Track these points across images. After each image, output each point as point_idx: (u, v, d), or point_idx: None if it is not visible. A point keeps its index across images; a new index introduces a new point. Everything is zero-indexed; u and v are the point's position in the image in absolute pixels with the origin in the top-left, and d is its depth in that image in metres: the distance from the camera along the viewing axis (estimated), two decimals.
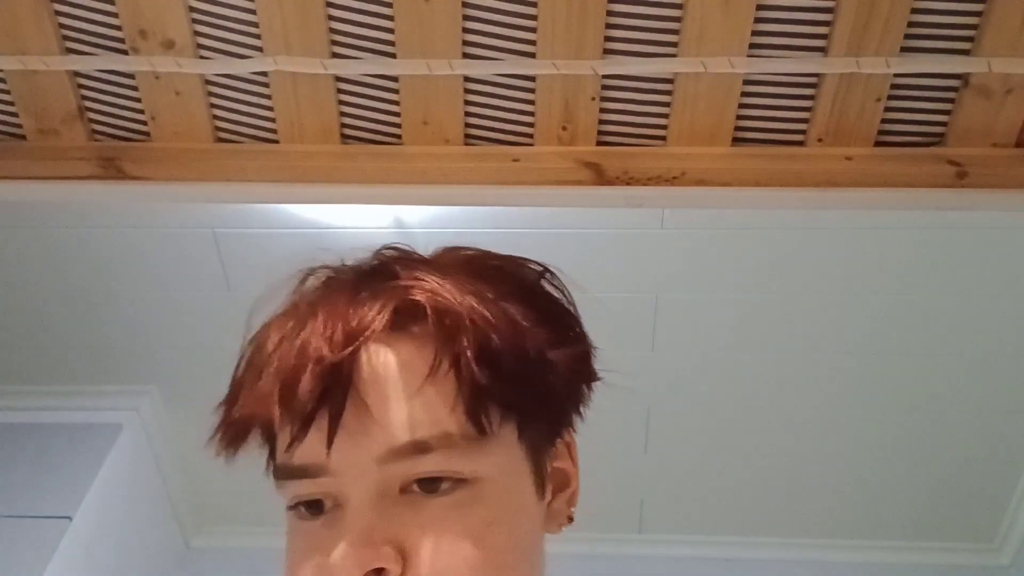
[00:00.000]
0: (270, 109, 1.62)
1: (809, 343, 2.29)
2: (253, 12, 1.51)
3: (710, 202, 1.63)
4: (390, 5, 1.50)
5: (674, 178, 1.59)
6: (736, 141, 1.60)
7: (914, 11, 1.45)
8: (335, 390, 0.52)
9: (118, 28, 1.55)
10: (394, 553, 0.51)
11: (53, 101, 1.64)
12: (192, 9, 1.52)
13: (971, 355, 2.29)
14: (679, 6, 1.47)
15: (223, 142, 1.67)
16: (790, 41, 1.49)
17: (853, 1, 1.43)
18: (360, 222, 2.12)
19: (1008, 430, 2.43)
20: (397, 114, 1.61)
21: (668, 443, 2.52)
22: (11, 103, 1.65)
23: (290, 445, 0.54)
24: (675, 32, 1.49)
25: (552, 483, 0.62)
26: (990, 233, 2.07)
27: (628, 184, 1.59)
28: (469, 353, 0.54)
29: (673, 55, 1.51)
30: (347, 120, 1.63)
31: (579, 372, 0.62)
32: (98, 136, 1.68)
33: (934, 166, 1.58)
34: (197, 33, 1.55)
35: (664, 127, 1.60)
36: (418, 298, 0.55)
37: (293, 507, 0.56)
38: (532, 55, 1.52)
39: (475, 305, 0.55)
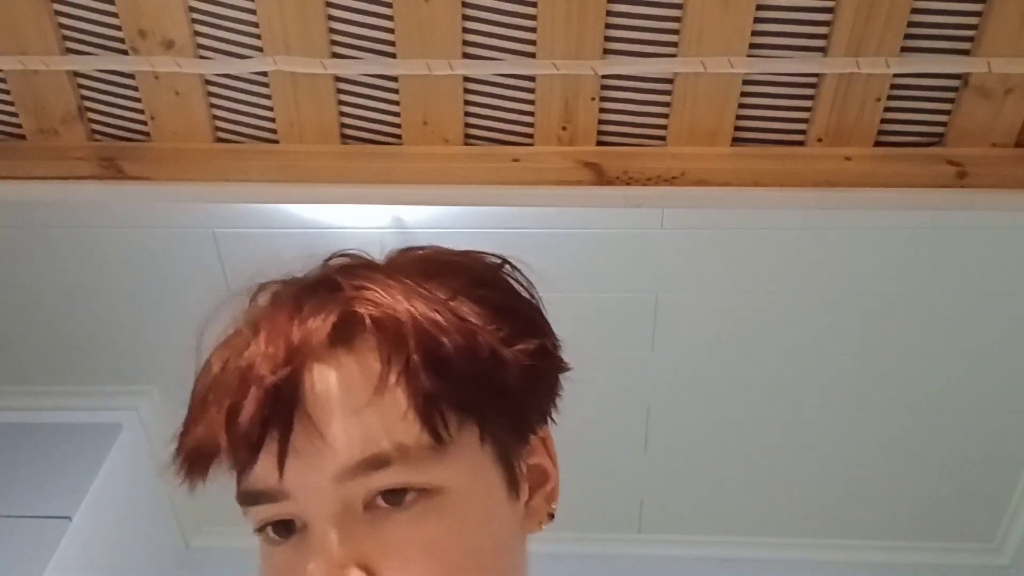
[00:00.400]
0: (270, 109, 1.62)
1: (809, 343, 2.29)
2: (253, 12, 1.51)
3: (710, 202, 1.63)
4: (390, 5, 1.50)
5: (674, 178, 1.59)
6: (736, 141, 1.60)
7: (914, 11, 1.45)
8: (280, 412, 0.51)
9: (118, 28, 1.55)
10: (361, 574, 0.51)
11: (53, 101, 1.64)
12: (192, 9, 1.52)
13: (971, 355, 2.28)
14: (679, 6, 1.47)
15: (223, 142, 1.67)
16: (790, 41, 1.49)
17: (853, 1, 1.43)
18: (360, 222, 2.12)
19: (1008, 430, 2.43)
20: (397, 114, 1.61)
21: (668, 443, 2.52)
22: (11, 103, 1.65)
23: (242, 471, 0.53)
24: (675, 32, 1.49)
25: (528, 481, 0.60)
26: (990, 233, 2.07)
27: (628, 184, 1.59)
28: (416, 360, 0.52)
29: (673, 55, 1.51)
30: (347, 120, 1.63)
31: (540, 366, 0.59)
32: (98, 136, 1.68)
33: (934, 166, 1.58)
34: (197, 33, 1.55)
35: (664, 127, 1.60)
36: (359, 309, 0.54)
37: (260, 530, 0.55)
38: (532, 55, 1.52)
39: (422, 309, 0.54)
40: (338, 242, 2.09)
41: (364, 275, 0.57)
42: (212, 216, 2.15)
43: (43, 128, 1.67)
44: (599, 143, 1.62)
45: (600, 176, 1.60)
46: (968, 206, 1.61)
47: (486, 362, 0.55)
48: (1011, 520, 2.59)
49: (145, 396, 2.41)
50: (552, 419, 0.66)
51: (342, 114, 1.62)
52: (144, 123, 1.65)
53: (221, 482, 0.56)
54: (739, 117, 1.58)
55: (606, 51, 1.52)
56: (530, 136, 1.62)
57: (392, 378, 0.52)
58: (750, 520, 2.67)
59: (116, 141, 1.68)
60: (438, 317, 0.54)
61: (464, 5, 1.49)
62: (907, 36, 1.47)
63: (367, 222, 2.12)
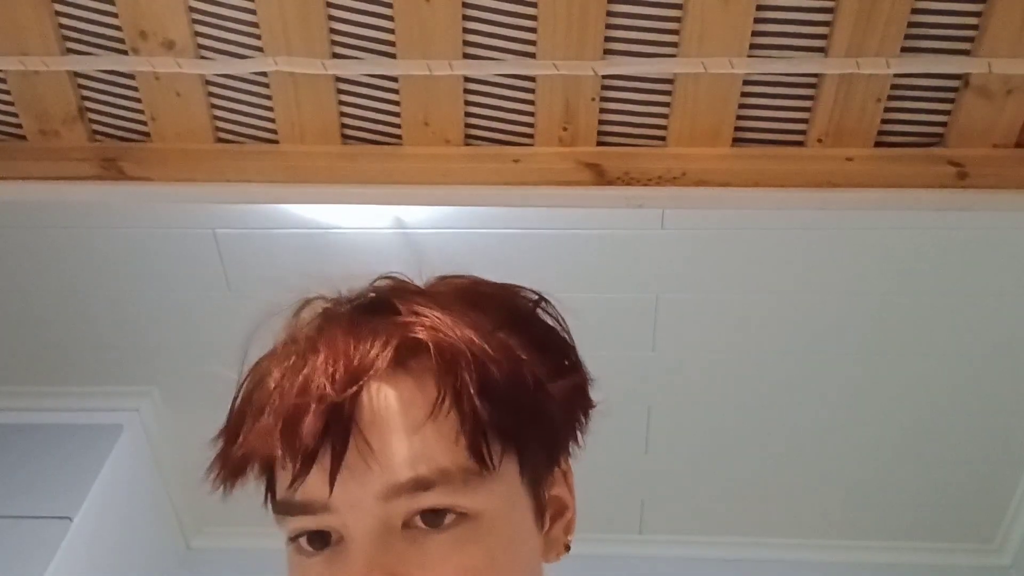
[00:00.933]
0: (270, 109, 1.62)
1: (809, 343, 2.29)
2: (253, 12, 1.51)
3: (710, 202, 1.63)
4: (390, 5, 1.50)
5: (674, 178, 1.59)
6: (736, 142, 1.60)
7: (914, 11, 1.45)
8: (338, 429, 0.53)
9: (118, 28, 1.55)
10: None
11: (54, 101, 1.64)
12: (192, 9, 1.52)
13: (971, 355, 2.28)
14: (679, 6, 1.47)
15: (223, 142, 1.67)
16: (790, 41, 1.49)
17: (853, 1, 1.43)
18: (360, 222, 2.12)
19: (1008, 430, 2.43)
20: (397, 114, 1.62)
21: (668, 443, 2.52)
22: (11, 103, 1.65)
23: (292, 482, 0.54)
24: (675, 32, 1.49)
25: (550, 511, 0.62)
26: (990, 233, 2.07)
27: (628, 184, 1.60)
28: (471, 388, 0.54)
29: (673, 55, 1.51)
30: (347, 120, 1.63)
31: (577, 402, 0.63)
32: (99, 136, 1.68)
33: (934, 166, 1.58)
34: (197, 33, 1.55)
35: (664, 127, 1.60)
36: (420, 335, 0.55)
37: (293, 539, 0.56)
38: (532, 55, 1.52)
39: (475, 339, 0.56)
40: (338, 242, 2.10)
41: (418, 300, 0.59)
42: (213, 216, 2.15)
43: (44, 128, 1.67)
44: (600, 143, 1.62)
45: (601, 176, 1.60)
46: (968, 206, 1.61)
47: (533, 394, 0.57)
48: (1011, 520, 2.59)
49: (146, 397, 2.41)
50: (573, 453, 0.67)
51: (342, 114, 1.62)
52: (145, 123, 1.65)
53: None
54: (739, 117, 1.58)
55: (606, 51, 1.52)
56: (531, 136, 1.62)
57: (447, 403, 0.54)
58: (750, 520, 2.67)
59: (117, 142, 1.68)
60: (488, 347, 0.56)
61: (464, 5, 1.49)
62: (907, 36, 1.47)
63: (367, 222, 2.12)
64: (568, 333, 0.65)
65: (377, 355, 0.54)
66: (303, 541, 0.55)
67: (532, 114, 1.59)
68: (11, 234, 2.22)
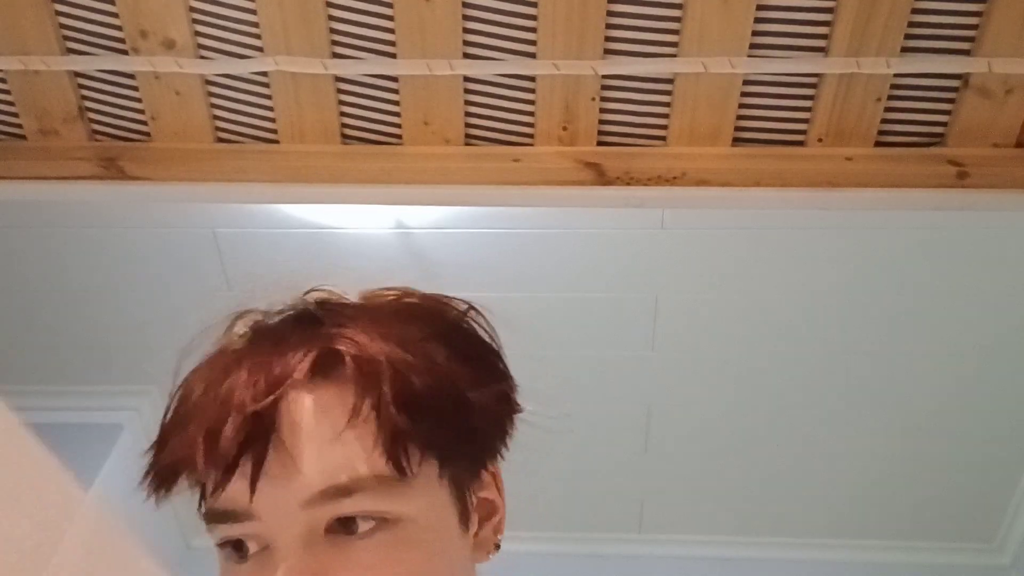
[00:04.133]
0: (270, 109, 1.62)
1: (809, 343, 2.29)
2: (253, 12, 1.51)
3: (710, 202, 1.63)
4: (390, 5, 1.50)
5: (674, 178, 1.59)
6: (736, 141, 1.60)
7: (914, 11, 1.45)
8: (257, 438, 0.54)
9: (118, 28, 1.55)
10: None
11: (54, 101, 1.64)
12: (192, 9, 1.52)
13: (971, 355, 2.28)
14: (679, 6, 1.47)
15: (223, 142, 1.67)
16: (790, 41, 1.49)
17: (853, 1, 1.43)
18: (360, 222, 2.12)
19: (1008, 430, 2.43)
20: (397, 114, 1.61)
21: (668, 443, 2.52)
22: (11, 103, 1.65)
23: (214, 491, 0.56)
24: (675, 32, 1.49)
25: (478, 513, 0.64)
26: (990, 233, 2.07)
27: (628, 184, 1.59)
28: (388, 397, 0.55)
29: (673, 55, 1.51)
30: (347, 120, 1.63)
31: (500, 409, 0.64)
32: (98, 136, 1.68)
33: (934, 166, 1.58)
34: (197, 33, 1.55)
35: (664, 127, 1.60)
36: (339, 346, 0.57)
37: (221, 546, 0.58)
38: (532, 55, 1.52)
39: (396, 349, 0.57)
40: (338, 242, 2.09)
41: (343, 313, 0.61)
42: (212, 216, 2.15)
43: (44, 128, 1.67)
44: (600, 143, 1.62)
45: (601, 176, 1.60)
46: (969, 206, 1.61)
47: (452, 403, 0.59)
48: (1011, 520, 2.59)
49: (146, 396, 2.41)
50: (502, 456, 0.69)
51: (343, 114, 1.62)
52: (145, 123, 1.65)
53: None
54: (740, 117, 1.58)
55: (606, 51, 1.52)
56: (531, 136, 1.62)
57: (364, 412, 0.55)
58: (750, 520, 2.67)
59: (117, 141, 1.68)
60: (411, 358, 0.58)
61: (464, 5, 1.49)
62: (907, 36, 1.47)
63: (367, 222, 2.12)
64: (495, 341, 0.67)
65: (295, 365, 0.56)
66: (230, 549, 0.57)
67: (532, 114, 1.59)
68: (11, 234, 2.22)
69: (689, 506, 2.66)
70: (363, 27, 1.53)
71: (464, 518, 0.61)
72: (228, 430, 0.54)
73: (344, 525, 0.55)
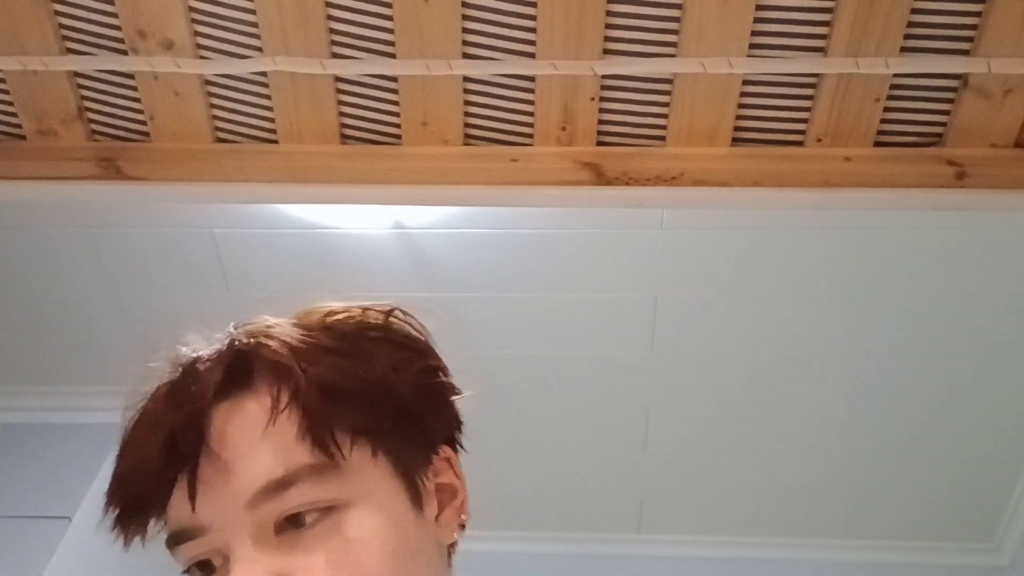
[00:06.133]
0: (269, 109, 1.62)
1: (808, 343, 2.29)
2: (252, 12, 1.51)
3: (709, 202, 1.63)
4: (389, 5, 1.50)
5: (673, 178, 1.59)
6: (735, 141, 1.60)
7: (914, 11, 1.45)
8: (184, 452, 0.57)
9: (117, 28, 1.55)
10: None
11: (53, 101, 1.64)
12: (191, 9, 1.52)
13: (971, 355, 2.29)
14: (678, 6, 1.47)
15: (222, 142, 1.67)
16: (789, 41, 1.49)
17: (853, 1, 1.43)
18: (359, 222, 2.12)
19: (1008, 430, 2.43)
20: (396, 114, 1.62)
21: (668, 443, 2.52)
22: (11, 103, 1.65)
23: (160, 515, 0.59)
24: (674, 32, 1.49)
25: (439, 497, 0.66)
26: (990, 233, 2.07)
27: (627, 184, 1.59)
28: (304, 389, 0.58)
29: (672, 55, 1.51)
30: (346, 120, 1.63)
31: (428, 386, 0.66)
32: (97, 136, 1.68)
33: (933, 166, 1.58)
34: (196, 33, 1.55)
35: (663, 127, 1.60)
36: (248, 352, 0.60)
37: (187, 571, 0.60)
38: (531, 55, 1.52)
39: (309, 346, 0.61)
40: (337, 242, 2.09)
41: (258, 326, 0.64)
42: (211, 216, 2.15)
43: (43, 128, 1.67)
44: (598, 143, 1.62)
45: (600, 176, 1.60)
46: (967, 206, 1.61)
47: (373, 385, 0.61)
48: (1010, 520, 2.59)
49: None
50: (461, 445, 0.72)
51: (342, 114, 1.62)
52: (144, 123, 1.65)
53: None
54: (739, 117, 1.58)
55: (606, 51, 1.52)
56: (529, 136, 1.62)
57: (283, 407, 0.58)
58: (750, 520, 2.67)
59: (115, 141, 1.68)
60: (323, 350, 0.61)
61: (464, 5, 1.49)
62: (907, 36, 1.47)
63: (366, 222, 2.12)
64: (423, 334, 0.70)
65: (209, 378, 0.59)
66: (195, 571, 0.59)
67: (531, 114, 1.59)
68: (10, 234, 2.22)
69: (688, 506, 2.66)
70: (362, 27, 1.53)
71: (417, 501, 0.62)
72: (156, 455, 0.57)
73: (292, 520, 0.57)
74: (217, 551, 0.57)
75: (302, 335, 0.63)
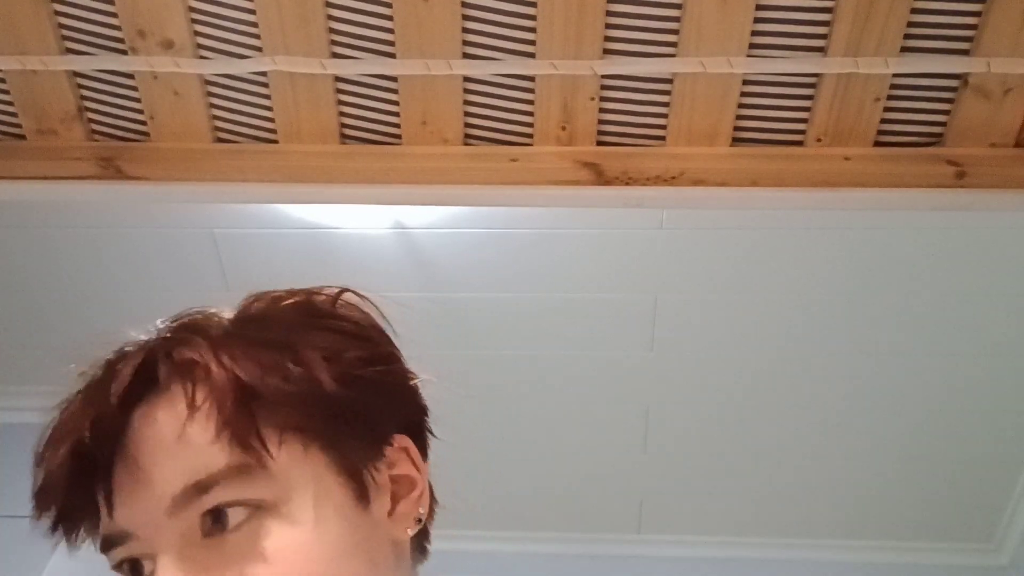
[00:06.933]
0: (269, 109, 1.62)
1: (808, 343, 2.29)
2: (252, 12, 1.51)
3: (709, 202, 1.63)
4: (389, 5, 1.50)
5: (673, 178, 1.59)
6: (735, 141, 1.60)
7: (914, 11, 1.45)
8: (96, 459, 0.55)
9: (117, 28, 1.55)
10: None
11: (52, 101, 1.64)
12: (191, 9, 1.52)
13: (971, 355, 2.29)
14: (678, 6, 1.47)
15: (222, 142, 1.66)
16: (789, 41, 1.49)
17: (852, 1, 1.43)
18: (359, 222, 2.12)
19: (1008, 430, 2.43)
20: (396, 114, 1.61)
21: (668, 443, 2.52)
22: (10, 103, 1.65)
23: (78, 524, 0.58)
24: (674, 32, 1.49)
25: (394, 490, 0.62)
26: (989, 233, 2.08)
27: (627, 184, 1.59)
28: (222, 385, 0.56)
29: (672, 55, 1.51)
30: (346, 120, 1.63)
31: (368, 376, 0.62)
32: (97, 136, 1.68)
33: (933, 166, 1.58)
34: (196, 33, 1.55)
35: (663, 127, 1.60)
36: (160, 353, 0.58)
37: (117, 567, 0.58)
38: (531, 55, 1.52)
39: (226, 343, 0.58)
40: (337, 242, 2.09)
41: (185, 320, 0.62)
42: (211, 216, 2.15)
43: (43, 128, 1.66)
44: (598, 143, 1.62)
45: (599, 176, 1.60)
46: (968, 206, 1.61)
47: (300, 378, 0.58)
48: (1010, 520, 2.59)
49: None
50: (430, 432, 0.69)
51: (341, 114, 1.62)
52: (143, 123, 1.65)
53: None
54: (738, 117, 1.58)
55: (605, 51, 1.52)
56: (529, 136, 1.62)
57: (198, 407, 0.55)
58: (750, 520, 2.67)
59: (115, 141, 1.68)
60: (249, 344, 0.58)
61: (464, 5, 1.49)
62: (907, 36, 1.47)
63: (366, 222, 2.12)
64: (372, 320, 0.66)
65: (120, 379, 0.57)
66: (125, 568, 0.57)
67: (531, 114, 1.59)
68: (9, 234, 2.22)
69: (688, 506, 2.66)
70: (362, 27, 1.53)
71: (362, 496, 0.59)
72: (67, 465, 0.56)
73: (217, 522, 0.54)
74: (146, 554, 0.56)
75: (229, 328, 0.61)
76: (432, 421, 0.69)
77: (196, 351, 0.57)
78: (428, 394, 0.69)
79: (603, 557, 2.71)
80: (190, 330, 0.60)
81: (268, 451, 0.55)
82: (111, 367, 0.59)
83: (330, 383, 0.58)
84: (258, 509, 0.54)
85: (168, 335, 0.60)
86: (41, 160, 1.67)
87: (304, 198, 1.77)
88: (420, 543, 0.67)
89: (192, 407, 0.55)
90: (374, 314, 0.67)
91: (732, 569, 2.68)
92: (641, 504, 2.67)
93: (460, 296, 2.22)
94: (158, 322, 0.63)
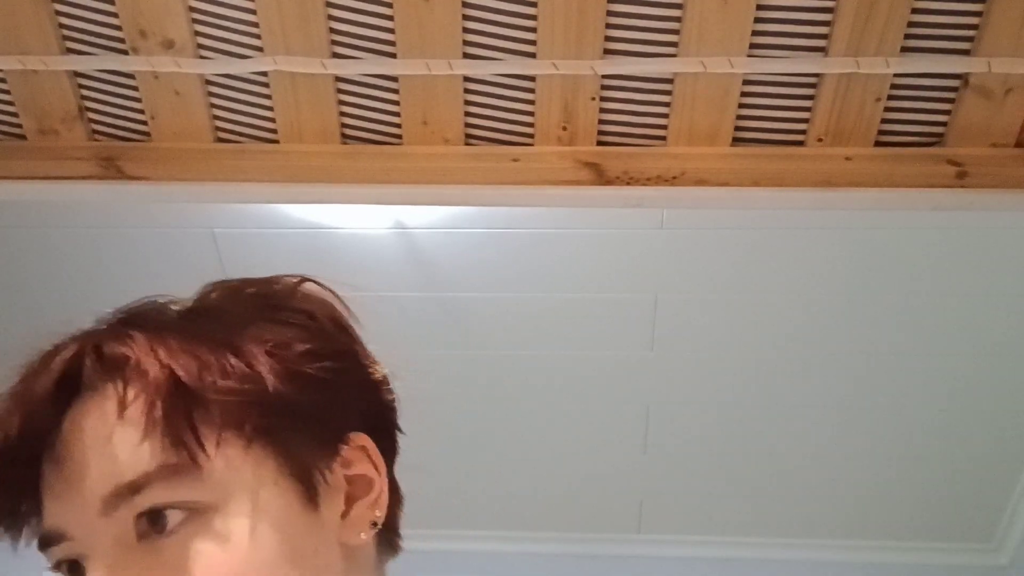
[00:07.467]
0: (270, 109, 1.62)
1: (808, 343, 2.29)
2: (253, 12, 1.51)
3: (710, 202, 1.63)
4: (390, 5, 1.50)
5: (674, 178, 1.59)
6: (736, 141, 1.60)
7: (914, 11, 1.45)
8: (24, 459, 0.54)
9: (118, 28, 1.55)
10: None
11: (53, 101, 1.64)
12: (192, 9, 1.52)
13: (971, 355, 2.29)
14: (679, 6, 1.47)
15: (223, 142, 1.66)
16: (790, 41, 1.49)
17: (853, 1, 1.43)
18: (360, 222, 2.12)
19: (1008, 430, 2.43)
20: (397, 114, 1.61)
21: (667, 443, 2.52)
22: (11, 103, 1.65)
23: (8, 525, 0.57)
24: (675, 32, 1.49)
25: (350, 491, 0.59)
26: (989, 233, 2.08)
27: (628, 184, 1.59)
28: (157, 383, 0.53)
29: (673, 55, 1.51)
30: (347, 120, 1.63)
31: (316, 375, 0.58)
32: (98, 136, 1.68)
33: (934, 166, 1.58)
34: (197, 33, 1.55)
35: (664, 127, 1.60)
36: (88, 349, 0.56)
37: (56, 567, 0.56)
38: (532, 55, 1.52)
39: (171, 335, 0.55)
40: (337, 242, 2.09)
41: (125, 313, 0.60)
42: (212, 216, 2.15)
43: (43, 128, 1.66)
44: (599, 143, 1.62)
45: (600, 176, 1.60)
46: (968, 206, 1.61)
47: (237, 376, 0.55)
48: (1010, 520, 2.59)
49: None
50: (399, 429, 0.66)
51: (342, 114, 1.62)
52: (144, 123, 1.65)
53: None
54: (739, 117, 1.58)
55: (606, 51, 1.52)
56: (530, 136, 1.62)
57: (128, 405, 0.53)
58: (750, 520, 2.67)
59: (116, 141, 1.68)
60: (188, 338, 0.55)
61: (464, 5, 1.49)
62: (907, 36, 1.47)
63: (367, 222, 2.12)
64: (336, 309, 0.63)
65: (44, 383, 0.55)
66: (64, 568, 0.56)
67: (532, 114, 1.59)
68: (10, 234, 2.22)
69: (688, 506, 2.66)
70: (362, 27, 1.53)
71: (311, 499, 0.56)
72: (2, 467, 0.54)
73: (154, 524, 0.52)
74: (82, 555, 0.54)
75: (174, 320, 0.58)
76: (402, 418, 0.66)
77: (130, 346, 0.55)
78: (400, 389, 0.66)
79: (603, 557, 2.71)
80: (130, 323, 0.58)
81: (204, 451, 0.52)
82: (45, 361, 0.57)
83: (272, 379, 0.55)
84: (194, 512, 0.52)
85: (105, 328, 0.58)
86: (42, 160, 1.67)
87: (304, 198, 1.76)
88: (390, 539, 0.64)
89: (122, 405, 0.53)
90: (337, 305, 0.63)
91: (732, 569, 2.68)
92: (641, 504, 2.67)
93: (460, 296, 2.22)
94: (107, 312, 0.60)
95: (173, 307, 0.61)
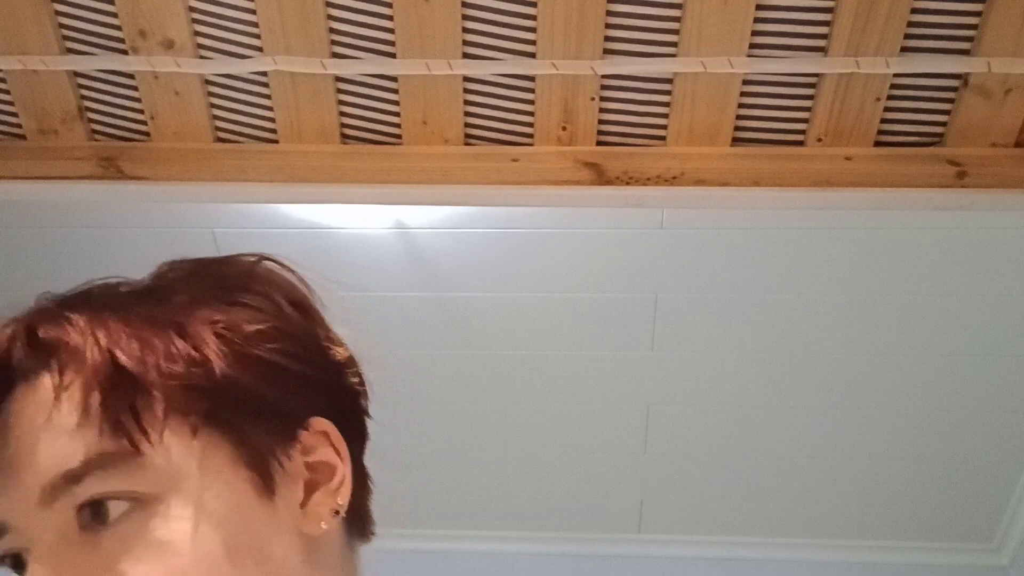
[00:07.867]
0: (270, 109, 1.62)
1: (808, 343, 2.29)
2: (253, 12, 1.51)
3: (710, 202, 1.63)
4: (390, 5, 1.50)
5: (674, 178, 1.59)
6: (736, 141, 1.60)
7: (914, 11, 1.45)
8: None
9: (118, 28, 1.55)
10: None
11: (53, 101, 1.64)
12: (192, 9, 1.52)
13: (971, 355, 2.29)
14: (678, 6, 1.47)
15: (222, 142, 1.66)
16: (790, 41, 1.49)
17: (853, 1, 1.43)
18: (359, 222, 2.12)
19: (1008, 430, 2.43)
20: (397, 114, 1.62)
21: (668, 443, 2.52)
22: (11, 103, 1.65)
23: None
24: (674, 32, 1.49)
25: (310, 478, 0.57)
26: (990, 233, 2.08)
27: (628, 184, 1.59)
28: (96, 367, 0.51)
29: (673, 55, 1.51)
30: (347, 120, 1.63)
31: (273, 356, 0.56)
32: (98, 136, 1.68)
33: (934, 166, 1.58)
34: (197, 33, 1.55)
35: (664, 127, 1.60)
36: (27, 330, 0.53)
37: (0, 561, 0.55)
38: (532, 55, 1.52)
39: (113, 317, 0.53)
40: (337, 242, 2.10)
41: (65, 295, 0.57)
42: (212, 216, 2.15)
43: (43, 128, 1.66)
44: (599, 143, 1.62)
45: (600, 176, 1.60)
46: (968, 206, 1.61)
47: (182, 359, 0.52)
48: (1010, 520, 2.59)
49: None
50: (366, 414, 0.63)
51: (342, 114, 1.62)
52: (144, 123, 1.65)
53: None
54: (739, 117, 1.58)
55: (606, 51, 1.52)
56: (530, 136, 1.62)
57: (64, 390, 0.51)
58: (750, 520, 2.67)
59: (116, 141, 1.68)
60: (131, 320, 0.53)
61: (464, 5, 1.49)
62: (907, 36, 1.47)
63: (367, 222, 2.12)
64: (292, 291, 0.61)
65: None
66: (8, 561, 0.54)
67: (531, 113, 1.59)
68: (10, 234, 2.22)
69: (688, 506, 2.66)
70: (362, 27, 1.53)
71: (266, 487, 0.54)
72: None
73: (96, 516, 0.50)
74: (25, 548, 0.51)
75: (120, 301, 0.56)
76: (372, 401, 0.63)
77: (66, 328, 0.52)
78: (369, 373, 0.62)
79: (603, 557, 2.71)
80: (69, 305, 0.55)
81: (147, 438, 0.50)
82: None
83: (221, 363, 0.53)
84: (139, 503, 0.50)
85: (43, 309, 0.55)
86: (41, 160, 1.67)
87: (304, 198, 1.76)
88: (362, 526, 0.62)
89: (58, 390, 0.50)
90: (297, 285, 0.61)
91: (732, 569, 2.68)
92: (641, 504, 2.67)
93: (460, 296, 2.22)
94: (43, 294, 0.57)
95: (122, 288, 0.59)
